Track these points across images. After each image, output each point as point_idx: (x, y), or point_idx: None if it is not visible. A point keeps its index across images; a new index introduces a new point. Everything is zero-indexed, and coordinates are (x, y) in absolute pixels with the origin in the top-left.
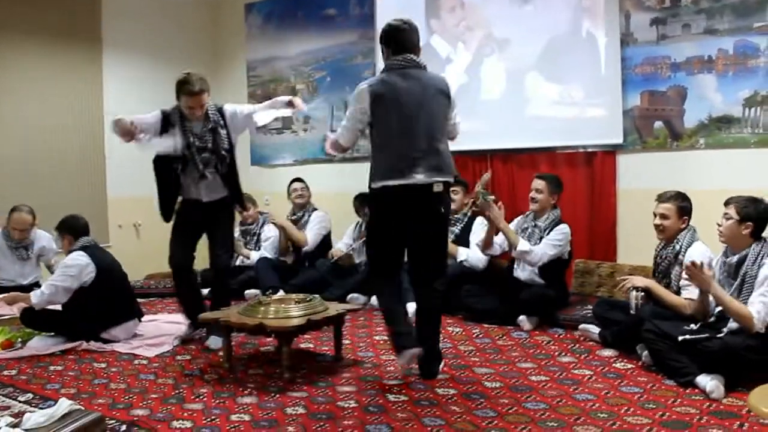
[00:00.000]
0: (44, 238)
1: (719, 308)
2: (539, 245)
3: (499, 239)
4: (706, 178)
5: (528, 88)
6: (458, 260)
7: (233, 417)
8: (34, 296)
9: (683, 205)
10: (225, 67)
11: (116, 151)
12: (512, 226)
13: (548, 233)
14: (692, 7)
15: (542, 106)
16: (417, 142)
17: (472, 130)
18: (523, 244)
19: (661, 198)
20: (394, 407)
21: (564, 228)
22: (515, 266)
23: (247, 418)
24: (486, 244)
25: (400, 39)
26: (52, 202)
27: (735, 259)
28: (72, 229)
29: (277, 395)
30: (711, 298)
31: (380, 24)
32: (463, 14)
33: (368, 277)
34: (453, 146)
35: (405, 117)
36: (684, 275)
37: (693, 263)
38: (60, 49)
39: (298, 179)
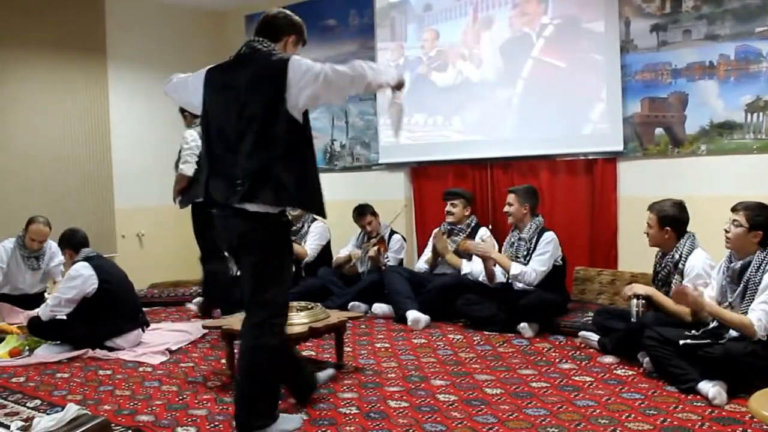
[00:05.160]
0: (55, 248)
1: None
2: (529, 265)
3: (500, 267)
4: (707, 184)
5: (527, 95)
6: (462, 273)
7: None
8: (41, 310)
9: (664, 215)
10: None
11: (123, 162)
12: (506, 242)
13: (534, 244)
14: (693, 13)
15: (542, 113)
16: None
17: (472, 139)
18: (514, 268)
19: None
20: (396, 413)
21: (549, 237)
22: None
23: None
24: (490, 278)
25: None
26: (61, 213)
27: (739, 264)
28: (71, 243)
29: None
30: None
31: (380, 34)
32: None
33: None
34: (453, 155)
35: None
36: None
37: (679, 289)
38: (66, 62)
39: None
